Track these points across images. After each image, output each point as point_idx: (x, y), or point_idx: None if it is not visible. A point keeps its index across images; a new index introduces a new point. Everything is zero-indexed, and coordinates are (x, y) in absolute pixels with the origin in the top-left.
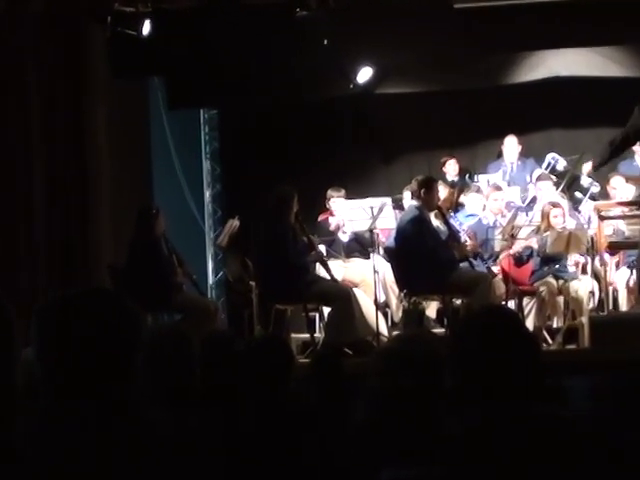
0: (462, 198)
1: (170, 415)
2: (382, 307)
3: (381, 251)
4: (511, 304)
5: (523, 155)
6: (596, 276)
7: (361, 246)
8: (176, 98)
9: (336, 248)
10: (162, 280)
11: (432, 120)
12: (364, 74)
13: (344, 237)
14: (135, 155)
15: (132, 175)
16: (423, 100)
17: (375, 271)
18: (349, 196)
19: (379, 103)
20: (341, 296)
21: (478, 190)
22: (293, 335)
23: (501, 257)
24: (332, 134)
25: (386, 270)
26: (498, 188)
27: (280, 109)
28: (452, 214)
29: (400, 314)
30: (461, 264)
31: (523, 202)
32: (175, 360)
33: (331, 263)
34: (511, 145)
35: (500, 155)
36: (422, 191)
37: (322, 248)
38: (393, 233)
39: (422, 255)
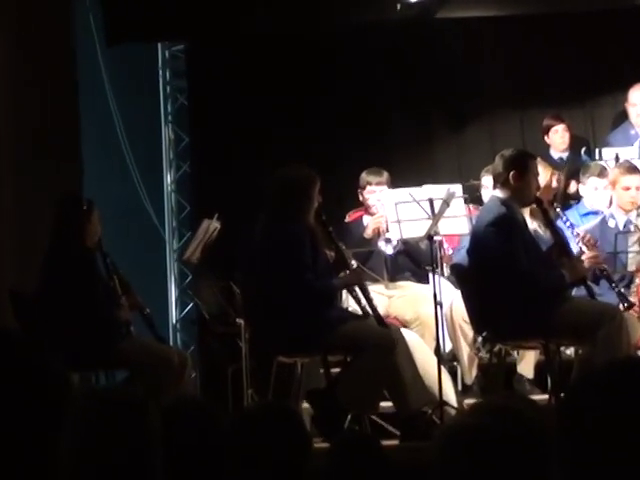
0: (574, 186)
1: None
2: (448, 360)
3: (446, 271)
4: None
5: None
6: None
7: (414, 263)
8: (119, 27)
9: (375, 265)
10: (96, 317)
11: (526, 61)
12: None
13: (387, 248)
14: (54, 116)
15: (49, 148)
16: (511, 29)
17: (437, 303)
18: (395, 183)
19: (441, 34)
20: (382, 343)
21: (601, 172)
22: (306, 405)
23: (638, 280)
24: (367, 83)
25: (454, 301)
26: (632, 170)
27: (286, 45)
28: (560, 211)
29: (476, 371)
30: (574, 291)
31: None
32: (122, 447)
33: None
34: None
35: (623, 117)
36: (512, 174)
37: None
38: (465, 242)
39: (511, 277)
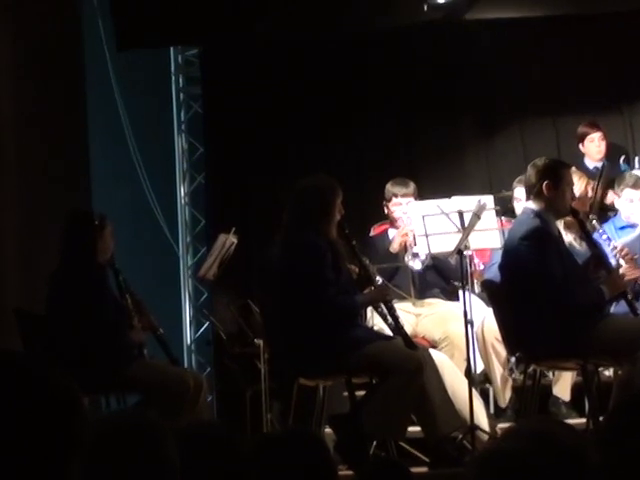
0: (611, 196)
1: None
2: (480, 382)
3: (477, 287)
4: None
5: None
6: None
7: (443, 279)
8: (130, 32)
9: (401, 282)
10: (108, 338)
11: (560, 64)
12: None
13: (415, 263)
14: (61, 126)
15: (56, 160)
16: (544, 31)
17: (468, 321)
18: (423, 194)
19: (470, 36)
20: (410, 364)
21: (635, 183)
22: (329, 430)
23: None
24: (392, 90)
25: (486, 319)
26: None
27: (307, 50)
28: (596, 223)
29: (509, 393)
30: (613, 307)
31: None
32: (136, 475)
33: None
34: None
35: None
36: (545, 184)
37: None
38: (497, 257)
39: (546, 293)
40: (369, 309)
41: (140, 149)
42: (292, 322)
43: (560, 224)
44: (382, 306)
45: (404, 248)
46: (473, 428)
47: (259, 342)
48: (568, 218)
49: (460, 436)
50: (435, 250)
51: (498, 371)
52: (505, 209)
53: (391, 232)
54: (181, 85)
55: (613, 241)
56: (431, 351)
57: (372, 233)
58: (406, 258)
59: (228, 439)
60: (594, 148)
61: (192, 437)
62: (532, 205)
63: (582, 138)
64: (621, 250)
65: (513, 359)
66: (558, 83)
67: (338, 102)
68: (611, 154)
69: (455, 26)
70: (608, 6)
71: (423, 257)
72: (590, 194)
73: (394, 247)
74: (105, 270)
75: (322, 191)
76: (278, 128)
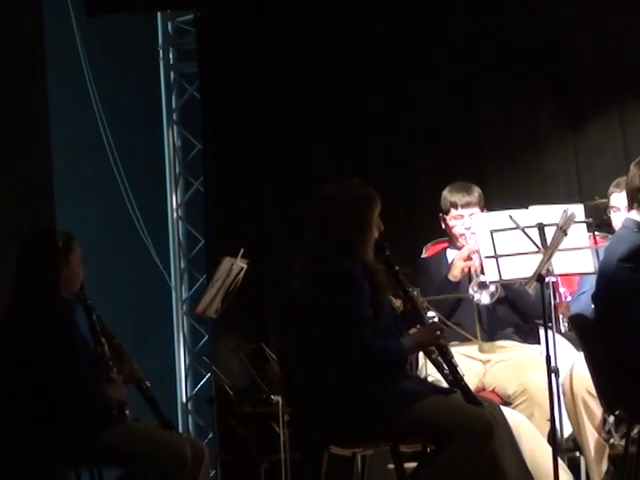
0: None
1: None
2: (567, 449)
3: (564, 325)
4: None
5: None
6: None
7: (519, 314)
8: None
9: (464, 319)
10: (76, 395)
11: None
12: None
13: (482, 297)
14: (15, 114)
15: (7, 164)
16: None
17: (551, 370)
18: (491, 203)
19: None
20: (475, 427)
21: None
22: None
23: None
24: (444, 68)
25: (575, 367)
26: None
27: (336, 12)
28: None
29: (606, 465)
30: None
31: None
32: None
33: (454, 351)
34: None
35: None
36: None
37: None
38: (589, 284)
39: None
40: (421, 355)
41: (118, 147)
42: (320, 373)
43: None
44: (435, 351)
45: (468, 274)
46: None
47: (276, 399)
48: None
49: None
50: (508, 276)
51: (591, 435)
52: (600, 222)
53: (450, 253)
54: (171, 62)
55: None
56: (503, 409)
57: (425, 254)
58: (470, 290)
59: None
60: None
61: None
62: (636, 216)
63: None
64: None
65: (611, 419)
66: None
67: (375, 82)
68: None
69: None
70: None
71: (493, 288)
72: None
73: (454, 274)
74: (72, 307)
75: (354, 201)
76: (299, 118)
